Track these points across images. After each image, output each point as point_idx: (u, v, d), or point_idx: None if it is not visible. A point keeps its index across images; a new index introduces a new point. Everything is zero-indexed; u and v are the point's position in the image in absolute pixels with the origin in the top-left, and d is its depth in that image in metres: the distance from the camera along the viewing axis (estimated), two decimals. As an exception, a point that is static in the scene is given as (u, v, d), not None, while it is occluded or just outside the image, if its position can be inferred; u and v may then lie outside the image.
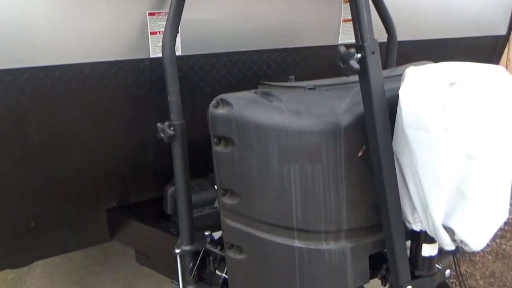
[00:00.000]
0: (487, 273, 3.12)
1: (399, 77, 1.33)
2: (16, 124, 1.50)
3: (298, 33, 1.94)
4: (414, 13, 2.28)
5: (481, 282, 3.03)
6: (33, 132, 1.54)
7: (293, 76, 1.59)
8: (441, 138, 1.14)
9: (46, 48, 1.46)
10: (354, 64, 1.09)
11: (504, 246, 3.32)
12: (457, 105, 1.16)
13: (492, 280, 3.05)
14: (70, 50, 1.50)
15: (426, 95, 1.14)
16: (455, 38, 2.49)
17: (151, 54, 1.64)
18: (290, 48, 1.93)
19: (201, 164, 1.97)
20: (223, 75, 1.83)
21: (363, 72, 1.13)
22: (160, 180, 1.99)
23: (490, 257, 3.23)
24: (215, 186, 1.81)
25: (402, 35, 2.17)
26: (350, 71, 1.10)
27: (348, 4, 1.16)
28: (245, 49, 1.83)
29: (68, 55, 1.50)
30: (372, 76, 1.13)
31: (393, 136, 1.24)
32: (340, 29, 2.03)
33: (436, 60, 2.41)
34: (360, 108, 1.26)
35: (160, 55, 1.59)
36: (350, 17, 1.18)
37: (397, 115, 1.23)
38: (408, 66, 1.28)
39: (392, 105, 1.22)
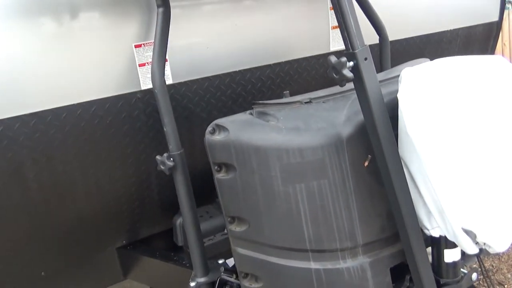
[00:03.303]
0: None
1: (397, 79, 1.28)
2: (13, 174, 1.48)
3: (288, 46, 1.91)
4: (404, 11, 2.25)
5: (509, 275, 2.93)
6: (31, 179, 1.51)
7: (288, 91, 1.56)
8: (447, 138, 1.09)
9: (35, 94, 1.44)
10: (347, 73, 1.05)
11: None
12: (459, 102, 1.12)
13: (519, 272, 2.95)
14: (59, 93, 1.48)
15: (425, 97, 1.10)
16: (449, 30, 2.46)
17: (142, 86, 1.62)
18: (282, 62, 1.91)
19: (207, 190, 1.93)
20: (218, 98, 1.80)
21: (358, 80, 1.09)
22: (168, 211, 1.95)
23: (515, 248, 3.13)
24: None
25: (395, 34, 2.14)
26: (344, 80, 1.06)
27: (334, 11, 1.13)
28: (236, 69, 1.80)
29: (58, 97, 1.48)
30: (368, 82, 1.09)
31: (398, 141, 1.19)
32: (330, 36, 2.01)
33: (433, 54, 2.39)
34: (360, 117, 1.21)
35: (151, 86, 1.56)
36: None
37: (399, 119, 1.18)
38: (404, 67, 1.24)
39: (393, 108, 1.18)
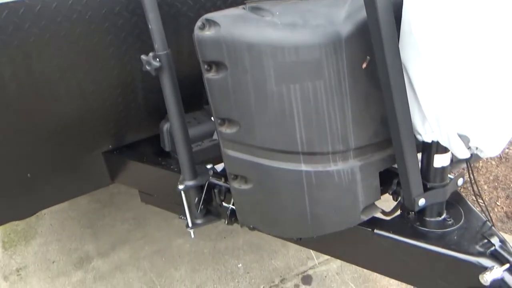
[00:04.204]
0: (491, 177, 3.15)
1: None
2: (-12, 71, 1.38)
3: None
4: None
5: (486, 187, 3.06)
6: (7, 78, 1.42)
7: (284, -13, 1.44)
8: (451, 39, 1.03)
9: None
10: (354, -40, 0.94)
11: (507, 150, 3.31)
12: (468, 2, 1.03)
13: (496, 184, 3.08)
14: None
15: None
16: None
17: (123, -22, 1.48)
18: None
19: (194, 97, 1.87)
20: (207, -4, 1.66)
21: (364, -31, 0.99)
22: (154, 116, 1.90)
23: (493, 162, 3.24)
24: (212, 118, 1.73)
25: None
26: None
27: None
28: (228, -37, 1.65)
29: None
30: (374, -27, 1.00)
31: (400, 43, 1.12)
32: None
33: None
34: (361, 15, 1.13)
35: (134, -22, 1.43)
36: None
37: (402, 18, 1.11)
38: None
39: (396, 10, 1.09)
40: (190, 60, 1.68)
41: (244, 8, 1.21)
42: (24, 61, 1.43)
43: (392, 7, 1.06)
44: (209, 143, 1.90)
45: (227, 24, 1.13)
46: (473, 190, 1.34)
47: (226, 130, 1.24)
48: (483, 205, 1.38)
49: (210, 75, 1.20)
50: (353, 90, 1.15)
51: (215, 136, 1.92)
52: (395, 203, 1.38)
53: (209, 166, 1.66)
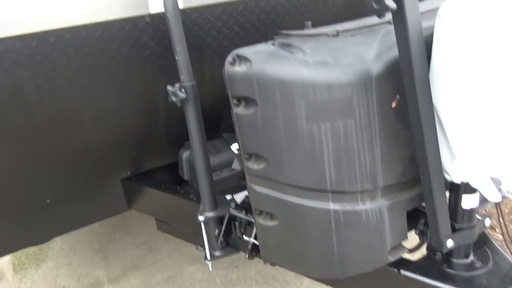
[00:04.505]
0: (506, 210, 3.09)
1: (434, 12, 1.18)
2: (15, 98, 1.40)
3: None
4: None
5: (500, 220, 3.00)
6: (34, 105, 1.44)
7: (310, 22, 1.45)
8: (486, 77, 1.03)
9: (36, 12, 1.32)
10: (390, 3, 0.95)
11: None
12: (504, 39, 1.03)
13: (512, 217, 3.02)
14: (62, 12, 1.36)
15: (467, 30, 1.01)
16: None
17: (150, 9, 1.50)
18: (299, -9, 1.77)
19: (214, 125, 1.87)
20: (230, 27, 1.69)
21: (399, 11, 0.99)
22: (174, 144, 1.90)
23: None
24: (231, 147, 1.72)
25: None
26: (385, 11, 0.96)
27: None
28: (251, -4, 1.68)
29: (61, 18, 1.36)
30: (409, 15, 1.00)
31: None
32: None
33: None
34: (391, 54, 1.13)
35: (161, 10, 1.45)
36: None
37: (432, 56, 1.10)
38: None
39: (426, 49, 1.09)
40: (211, 89, 1.69)
41: (273, 44, 1.22)
42: (51, 88, 1.44)
43: (424, 46, 1.07)
44: (228, 172, 1.89)
45: (258, 61, 1.13)
46: (503, 234, 1.32)
47: (254, 165, 1.23)
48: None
49: (239, 110, 1.20)
50: (383, 129, 1.14)
51: (234, 166, 1.91)
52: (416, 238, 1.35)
53: (228, 197, 1.64)
